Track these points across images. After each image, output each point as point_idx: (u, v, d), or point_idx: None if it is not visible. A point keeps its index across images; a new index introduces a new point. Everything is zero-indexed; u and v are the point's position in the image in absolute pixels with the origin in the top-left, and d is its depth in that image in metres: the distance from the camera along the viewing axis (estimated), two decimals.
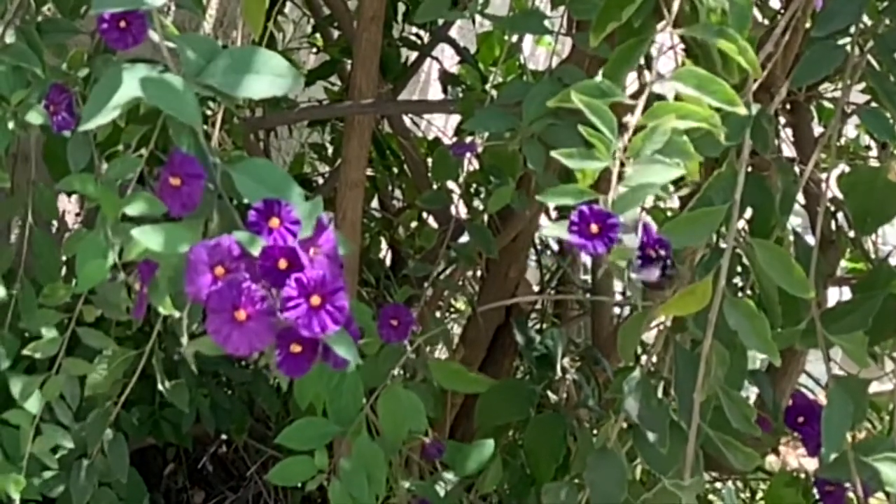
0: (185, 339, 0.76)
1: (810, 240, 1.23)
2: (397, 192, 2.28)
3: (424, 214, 2.16)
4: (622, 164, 0.80)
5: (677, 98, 0.86)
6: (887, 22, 1.07)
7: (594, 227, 0.76)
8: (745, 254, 0.96)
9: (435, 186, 1.76)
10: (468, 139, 1.36)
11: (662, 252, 0.77)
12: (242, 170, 0.68)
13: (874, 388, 1.26)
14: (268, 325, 0.66)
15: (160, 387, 1.41)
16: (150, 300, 0.75)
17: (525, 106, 1.12)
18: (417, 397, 1.34)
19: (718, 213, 0.84)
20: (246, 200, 0.67)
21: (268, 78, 0.67)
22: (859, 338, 0.92)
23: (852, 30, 1.06)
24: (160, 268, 0.71)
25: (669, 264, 0.77)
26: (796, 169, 1.35)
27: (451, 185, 1.80)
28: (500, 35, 2.24)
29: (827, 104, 1.69)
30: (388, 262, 2.29)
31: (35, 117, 1.01)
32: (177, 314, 0.73)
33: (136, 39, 0.83)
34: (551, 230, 0.79)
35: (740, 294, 1.24)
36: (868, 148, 1.87)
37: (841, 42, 1.00)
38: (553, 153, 0.82)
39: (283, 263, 0.66)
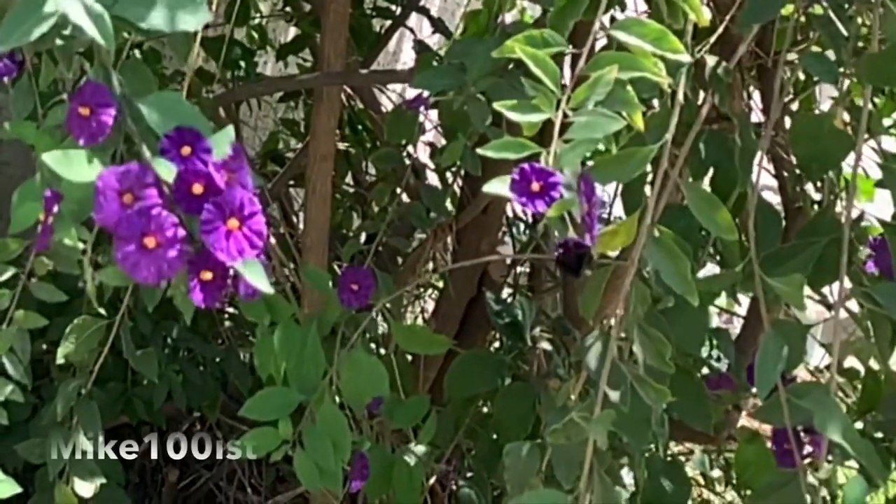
0: (88, 272, 0.74)
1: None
2: (371, 168, 2.27)
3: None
4: (565, 116, 0.79)
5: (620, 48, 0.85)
6: None
7: (536, 186, 0.75)
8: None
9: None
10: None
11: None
12: (151, 103, 0.66)
13: None
14: (178, 252, 0.64)
15: (127, 357, 1.40)
16: (55, 231, 0.73)
17: (469, 63, 1.10)
18: (379, 363, 1.33)
19: (648, 153, 0.83)
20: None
21: (167, 9, 0.66)
22: (797, 280, 0.90)
23: None
24: (63, 198, 0.69)
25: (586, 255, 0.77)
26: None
27: (425, 159, 1.80)
28: (486, 13, 2.23)
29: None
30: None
31: None
32: (80, 245, 0.72)
33: None
34: (491, 186, 0.77)
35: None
36: None
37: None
38: (495, 105, 0.81)
39: (198, 188, 0.64)
